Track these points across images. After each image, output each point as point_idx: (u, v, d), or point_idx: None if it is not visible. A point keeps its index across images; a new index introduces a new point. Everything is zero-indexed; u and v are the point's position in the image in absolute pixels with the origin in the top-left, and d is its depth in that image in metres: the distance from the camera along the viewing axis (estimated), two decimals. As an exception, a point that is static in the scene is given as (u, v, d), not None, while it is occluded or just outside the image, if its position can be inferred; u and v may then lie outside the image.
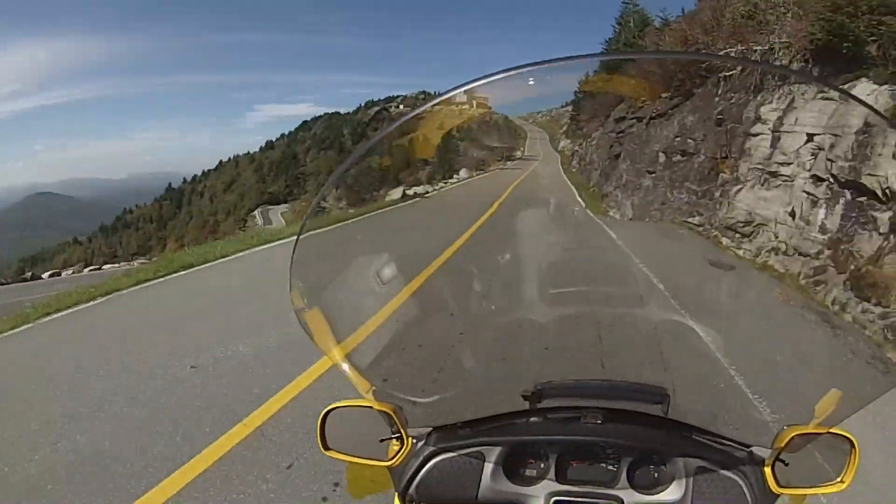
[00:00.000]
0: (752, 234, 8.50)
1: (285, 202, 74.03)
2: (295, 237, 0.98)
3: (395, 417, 0.97)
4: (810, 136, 7.69)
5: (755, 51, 9.52)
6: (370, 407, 0.98)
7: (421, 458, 0.99)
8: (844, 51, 7.78)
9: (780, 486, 0.91)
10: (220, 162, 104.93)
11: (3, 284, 16.77)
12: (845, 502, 1.61)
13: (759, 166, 8.67)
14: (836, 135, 7.05)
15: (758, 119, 9.05)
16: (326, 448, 0.99)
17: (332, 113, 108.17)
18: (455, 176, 12.35)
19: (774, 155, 8.30)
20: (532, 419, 1.06)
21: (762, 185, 8.53)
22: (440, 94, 0.90)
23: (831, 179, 7.05)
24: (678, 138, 12.42)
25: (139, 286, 7.09)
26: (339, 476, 2.59)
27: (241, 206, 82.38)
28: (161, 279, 7.46)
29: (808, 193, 7.45)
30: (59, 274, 20.00)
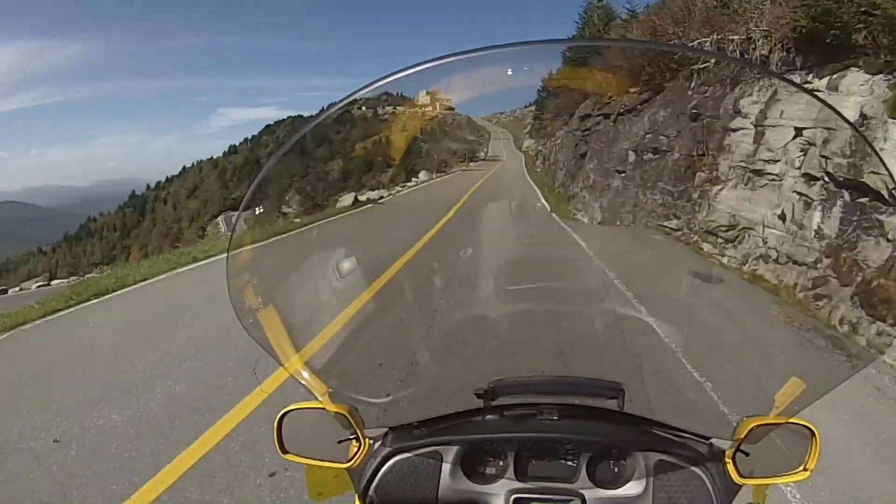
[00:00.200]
0: (736, 240, 7.71)
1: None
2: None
3: (350, 419, 0.96)
4: (799, 131, 6.94)
5: (731, 40, 8.80)
6: (325, 409, 0.97)
7: (379, 459, 0.98)
8: (830, 39, 7.08)
9: (741, 476, 0.90)
10: (184, 168, 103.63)
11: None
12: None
13: (742, 164, 7.90)
14: (829, 128, 6.28)
15: (737, 113, 8.31)
16: (284, 451, 0.98)
17: (296, 116, 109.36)
18: (414, 179, 11.35)
19: (759, 151, 7.53)
20: (488, 417, 1.04)
21: (746, 184, 7.76)
22: (376, 81, 0.80)
23: (826, 178, 6.29)
24: (649, 135, 11.67)
25: (48, 317, 6.22)
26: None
27: (205, 213, 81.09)
28: (73, 308, 6.60)
29: (799, 194, 6.69)
30: (5, 292, 17.28)
